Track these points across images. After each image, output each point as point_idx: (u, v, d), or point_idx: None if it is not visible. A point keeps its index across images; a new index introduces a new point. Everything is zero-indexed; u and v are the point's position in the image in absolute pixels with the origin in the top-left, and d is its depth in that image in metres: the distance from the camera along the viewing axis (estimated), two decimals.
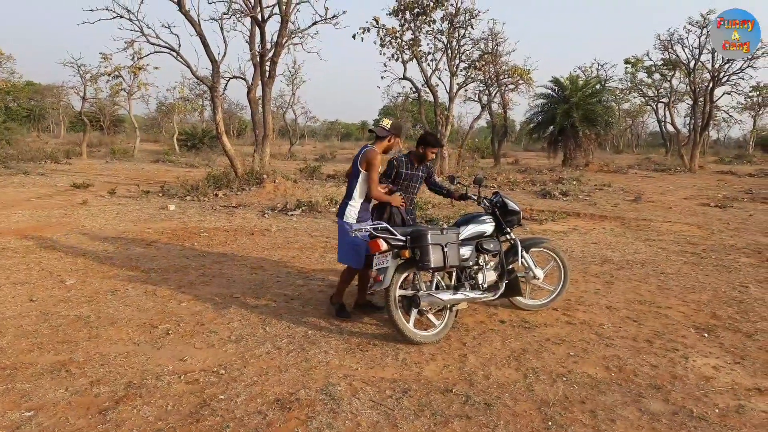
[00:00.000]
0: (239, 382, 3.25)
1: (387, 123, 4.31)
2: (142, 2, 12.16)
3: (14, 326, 4.03)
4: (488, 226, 4.47)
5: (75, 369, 3.36)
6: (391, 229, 3.89)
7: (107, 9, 11.87)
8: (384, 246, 3.82)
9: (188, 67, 12.63)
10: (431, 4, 17.40)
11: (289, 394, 3.11)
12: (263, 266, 6.05)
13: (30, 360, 3.47)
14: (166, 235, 7.61)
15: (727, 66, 23.95)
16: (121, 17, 11.97)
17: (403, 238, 3.89)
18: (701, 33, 23.70)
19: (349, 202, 4.25)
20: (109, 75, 22.97)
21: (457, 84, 19.99)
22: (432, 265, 3.82)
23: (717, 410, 3.05)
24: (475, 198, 4.72)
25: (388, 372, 3.44)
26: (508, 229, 4.57)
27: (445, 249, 3.89)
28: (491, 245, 4.32)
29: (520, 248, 4.54)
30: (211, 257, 6.41)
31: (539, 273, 4.68)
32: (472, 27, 18.67)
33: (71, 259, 6.09)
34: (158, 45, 12.36)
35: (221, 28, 12.83)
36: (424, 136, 4.77)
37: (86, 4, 11.73)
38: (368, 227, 3.91)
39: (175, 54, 12.45)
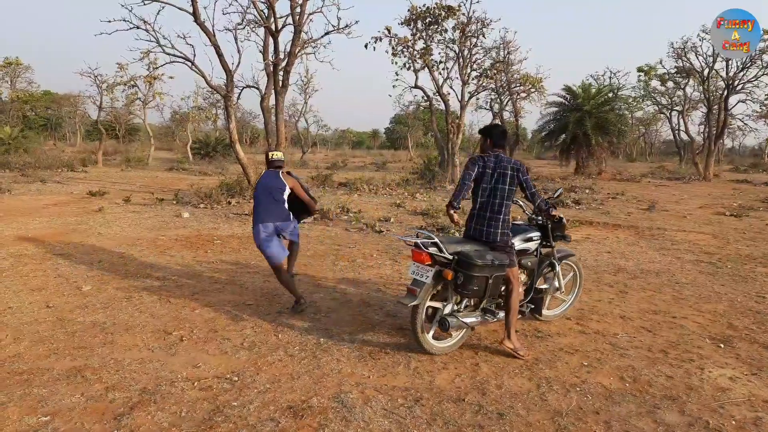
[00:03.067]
0: (252, 388, 3.27)
1: (279, 155, 5.08)
2: (158, 13, 12.43)
3: (31, 332, 4.09)
4: (533, 244, 4.26)
5: (91, 375, 3.40)
6: (440, 244, 3.64)
7: (124, 20, 12.13)
8: (428, 260, 3.62)
9: (202, 76, 12.82)
10: (443, 13, 17.51)
11: (302, 401, 3.12)
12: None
13: (46, 365, 3.52)
14: (179, 243, 7.69)
15: (741, 74, 23.70)
16: (138, 28, 12.22)
17: (450, 257, 3.63)
18: None
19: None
20: (125, 84, 23.38)
21: (469, 92, 20.03)
22: (470, 295, 3.67)
23: (734, 422, 3.01)
24: (545, 213, 4.15)
25: (400, 380, 3.44)
26: (553, 245, 4.35)
27: (490, 281, 3.62)
28: (529, 263, 4.22)
29: (557, 266, 4.43)
30: (224, 265, 6.47)
31: (562, 285, 4.62)
32: (483, 36, 18.76)
33: (87, 266, 6.17)
34: (173, 55, 12.58)
35: (235, 39, 13.10)
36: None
37: (104, 16, 11.99)
38: (419, 240, 3.68)
39: (189, 64, 12.65)
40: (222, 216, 10.28)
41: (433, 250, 3.63)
